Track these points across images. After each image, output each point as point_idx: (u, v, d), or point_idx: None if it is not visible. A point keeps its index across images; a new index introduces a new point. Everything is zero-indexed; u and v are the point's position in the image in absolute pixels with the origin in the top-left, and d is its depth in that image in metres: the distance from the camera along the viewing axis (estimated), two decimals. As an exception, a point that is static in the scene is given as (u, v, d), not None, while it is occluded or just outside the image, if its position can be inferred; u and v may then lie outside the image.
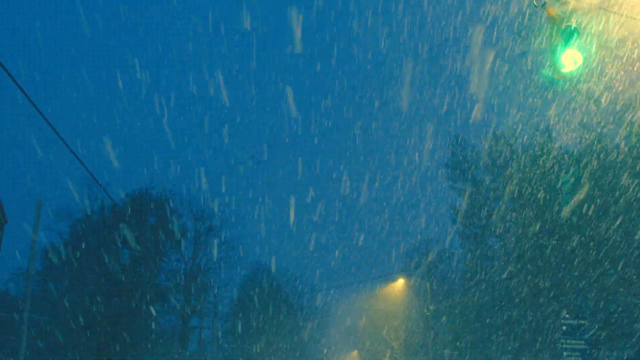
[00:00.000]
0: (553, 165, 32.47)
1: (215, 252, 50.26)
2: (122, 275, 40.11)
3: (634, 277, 23.88)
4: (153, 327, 44.89)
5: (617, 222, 26.23)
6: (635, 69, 17.45)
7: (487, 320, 38.79)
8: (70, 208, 44.79)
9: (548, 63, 11.49)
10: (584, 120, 27.94)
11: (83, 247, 43.20)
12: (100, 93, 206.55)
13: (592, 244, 28.56)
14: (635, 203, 24.81)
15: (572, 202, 29.69)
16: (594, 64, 15.84)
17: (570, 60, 10.54)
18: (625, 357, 28.92)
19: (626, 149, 26.50)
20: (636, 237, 24.96)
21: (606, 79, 18.09)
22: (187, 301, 47.61)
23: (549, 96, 24.21)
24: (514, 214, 37.10)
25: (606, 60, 16.25)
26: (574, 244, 29.64)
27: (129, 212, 39.99)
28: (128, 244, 37.46)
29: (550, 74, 11.21)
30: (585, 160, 29.64)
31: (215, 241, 50.45)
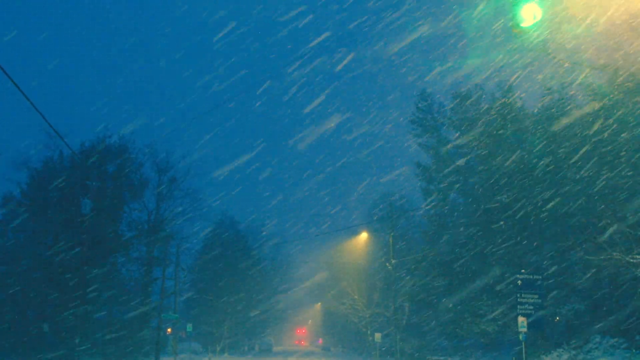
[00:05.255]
0: (515, 123, 32.76)
1: (178, 203, 49.91)
2: (83, 225, 39.58)
3: (588, 235, 24.46)
4: (114, 277, 44.73)
5: (574, 182, 26.70)
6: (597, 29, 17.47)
7: (448, 275, 39.59)
8: (28, 157, 43.79)
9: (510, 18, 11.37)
10: (547, 79, 28.08)
11: (42, 197, 42.45)
12: (59, 42, 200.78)
13: (549, 201, 29.10)
14: (590, 165, 25.20)
15: (531, 162, 30.12)
16: (557, 22, 15.77)
17: (529, 14, 10.46)
18: (575, 311, 29.93)
19: (586, 109, 26.76)
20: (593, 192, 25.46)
21: (571, 39, 18.08)
22: (149, 252, 47.37)
23: (514, 55, 24.16)
24: (477, 171, 37.55)
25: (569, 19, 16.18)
26: (533, 202, 30.18)
27: (88, 161, 39.20)
28: (89, 194, 36.85)
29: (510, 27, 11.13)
30: (547, 120, 29.94)
31: (178, 192, 50.03)
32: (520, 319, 25.75)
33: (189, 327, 46.52)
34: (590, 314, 29.00)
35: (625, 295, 27.23)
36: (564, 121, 27.69)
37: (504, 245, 32.12)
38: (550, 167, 28.75)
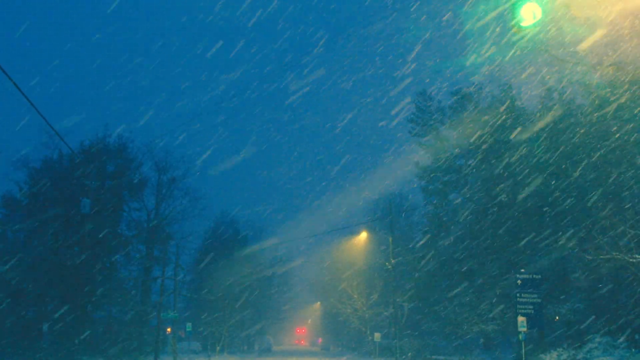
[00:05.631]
0: (515, 122, 32.73)
1: (177, 203, 49.90)
2: (83, 225, 39.59)
3: (587, 234, 24.45)
4: (114, 276, 44.73)
5: (574, 182, 26.69)
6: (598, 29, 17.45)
7: (448, 275, 39.59)
8: (28, 157, 43.74)
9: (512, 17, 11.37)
10: (547, 78, 28.05)
11: (42, 196, 42.43)
12: (59, 42, 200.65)
13: (549, 201, 29.09)
14: (590, 165, 25.19)
15: (531, 161, 30.09)
16: (557, 21, 15.74)
17: (530, 13, 10.45)
18: (574, 310, 29.89)
19: (587, 109, 26.74)
20: (592, 197, 25.46)
21: (571, 38, 18.06)
22: (149, 252, 47.35)
23: (514, 54, 24.12)
24: (476, 170, 37.54)
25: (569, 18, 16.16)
26: (533, 201, 30.16)
27: (88, 160, 39.16)
28: (88, 193, 36.87)
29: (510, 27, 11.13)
30: (545, 119, 29.91)
31: (178, 192, 50.00)
32: (520, 318, 25.72)
33: (189, 326, 46.50)
34: (589, 314, 28.99)
35: (624, 294, 27.22)
36: (564, 120, 27.67)
37: (503, 245, 32.09)
38: (550, 167, 28.73)
